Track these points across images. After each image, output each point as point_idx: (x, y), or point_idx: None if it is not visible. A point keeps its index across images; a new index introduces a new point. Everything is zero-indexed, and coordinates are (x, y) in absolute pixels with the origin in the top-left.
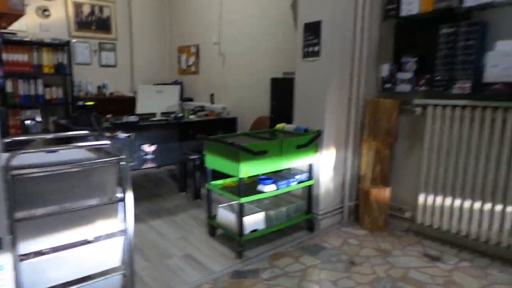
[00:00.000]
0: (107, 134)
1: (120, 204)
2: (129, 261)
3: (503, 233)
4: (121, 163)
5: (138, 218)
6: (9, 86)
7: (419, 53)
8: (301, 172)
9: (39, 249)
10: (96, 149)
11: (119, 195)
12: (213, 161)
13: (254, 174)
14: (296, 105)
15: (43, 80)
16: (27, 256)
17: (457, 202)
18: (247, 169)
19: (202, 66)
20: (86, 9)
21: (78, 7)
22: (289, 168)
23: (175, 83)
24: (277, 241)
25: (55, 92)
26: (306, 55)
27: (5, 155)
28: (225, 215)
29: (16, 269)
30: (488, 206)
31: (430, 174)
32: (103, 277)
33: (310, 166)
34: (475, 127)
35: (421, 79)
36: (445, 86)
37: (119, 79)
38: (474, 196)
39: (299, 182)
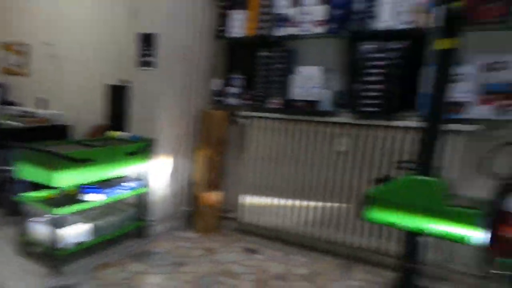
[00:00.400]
0: None
1: None
2: None
3: (307, 224)
4: None
5: None
6: None
7: (246, 71)
8: (135, 180)
9: None
10: None
11: None
12: (30, 172)
13: (79, 183)
14: (132, 113)
15: None
16: None
17: (272, 200)
18: (68, 178)
19: (33, 68)
20: None
21: None
22: (122, 176)
23: None
24: (104, 252)
25: None
26: (142, 64)
27: None
28: (39, 229)
29: None
30: (296, 203)
31: (251, 177)
32: None
33: (143, 174)
34: (288, 136)
35: (246, 94)
36: (263, 101)
37: None
38: (286, 195)
39: (131, 190)
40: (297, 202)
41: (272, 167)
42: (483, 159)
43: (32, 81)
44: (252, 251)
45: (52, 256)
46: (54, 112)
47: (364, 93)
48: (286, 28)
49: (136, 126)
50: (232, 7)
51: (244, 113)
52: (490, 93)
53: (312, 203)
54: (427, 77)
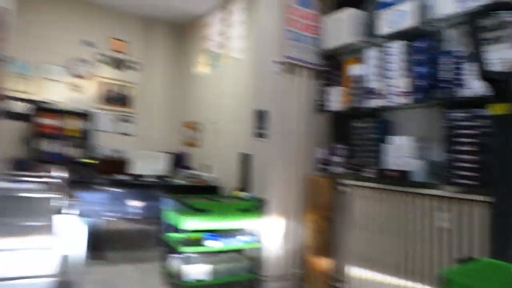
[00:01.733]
0: (98, 188)
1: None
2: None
3: None
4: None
5: (112, 261)
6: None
7: (346, 141)
8: (249, 234)
9: None
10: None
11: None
12: (170, 215)
13: (200, 229)
14: (254, 177)
15: (66, 142)
16: None
17: (378, 276)
18: (192, 223)
19: (203, 140)
20: (111, 87)
21: (105, 86)
22: (237, 229)
23: (180, 153)
24: None
25: (75, 152)
26: (257, 135)
27: None
28: (175, 264)
29: None
30: (401, 282)
31: (357, 247)
32: (32, 279)
33: (256, 230)
34: (385, 207)
35: (347, 163)
36: (360, 170)
37: (133, 145)
38: (389, 270)
39: (245, 243)
40: (402, 282)
41: (374, 238)
42: None
43: (201, 151)
44: None
45: (180, 286)
46: (211, 175)
47: (458, 164)
48: (375, 100)
49: (256, 188)
50: (330, 84)
51: (345, 181)
52: None
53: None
54: None
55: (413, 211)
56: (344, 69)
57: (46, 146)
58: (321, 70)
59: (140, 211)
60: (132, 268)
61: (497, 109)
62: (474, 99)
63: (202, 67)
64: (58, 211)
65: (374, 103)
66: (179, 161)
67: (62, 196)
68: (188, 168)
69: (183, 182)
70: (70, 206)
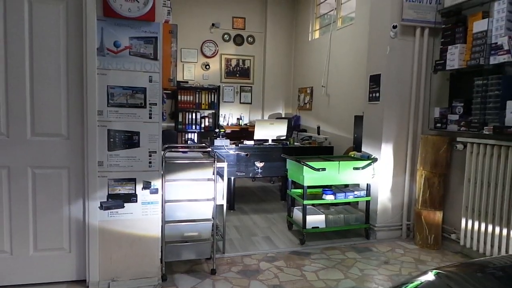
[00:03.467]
0: (231, 152)
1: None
2: (215, 217)
3: None
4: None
5: (243, 211)
6: (180, 117)
7: (465, 100)
8: (362, 189)
9: (173, 199)
10: (207, 153)
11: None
12: (292, 174)
13: (316, 184)
14: (364, 137)
15: (200, 114)
16: (168, 201)
17: (497, 229)
18: (311, 180)
19: (314, 104)
20: (233, 63)
21: (227, 61)
22: (352, 185)
23: (295, 117)
24: (335, 240)
25: (207, 121)
26: (370, 99)
27: (163, 152)
28: (297, 213)
29: (162, 206)
30: None
31: (472, 202)
32: (202, 222)
33: (368, 185)
34: (500, 162)
35: (465, 121)
36: (478, 128)
37: (254, 113)
38: (507, 223)
39: (357, 197)
40: None
41: (490, 194)
42: None
43: (314, 113)
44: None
45: (300, 233)
46: (323, 136)
47: None
48: (501, 56)
49: (367, 148)
50: (452, 42)
51: (462, 139)
52: None
53: None
54: None
55: None
56: (468, 25)
57: (186, 119)
58: (442, 28)
59: (262, 170)
60: (260, 217)
61: None
62: None
63: (315, 33)
64: (213, 172)
65: (499, 59)
66: (295, 124)
67: (213, 161)
68: (303, 130)
69: (299, 144)
70: (217, 168)
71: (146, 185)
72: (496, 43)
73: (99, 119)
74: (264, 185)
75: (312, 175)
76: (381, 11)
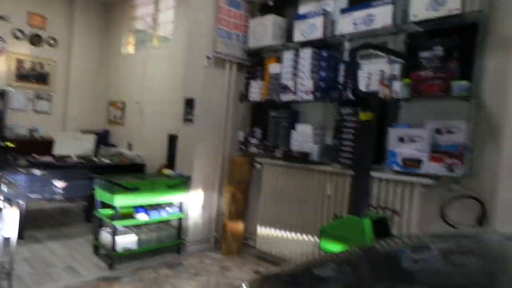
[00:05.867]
0: (22, 170)
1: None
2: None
3: (305, 256)
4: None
5: (35, 240)
6: None
7: (262, 127)
8: (174, 207)
9: None
10: None
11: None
12: (101, 194)
13: (130, 205)
14: (178, 156)
15: None
16: None
17: (286, 234)
18: (123, 200)
19: (127, 119)
20: (27, 65)
21: (19, 62)
22: (164, 203)
23: (104, 131)
24: (147, 259)
25: None
26: (185, 120)
27: None
28: (105, 236)
29: None
30: (298, 236)
31: (265, 212)
32: None
33: (181, 203)
34: (290, 180)
35: (262, 145)
36: (272, 151)
37: (53, 125)
38: (290, 228)
39: (170, 214)
40: (299, 236)
41: (279, 204)
42: (441, 208)
43: (125, 129)
44: (258, 272)
45: (109, 256)
46: (135, 153)
47: (342, 148)
48: (288, 95)
49: (180, 166)
50: (253, 78)
51: (259, 159)
52: (438, 152)
53: (308, 237)
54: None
55: (311, 183)
56: (265, 66)
57: None
58: (246, 65)
59: (64, 191)
60: (59, 244)
61: (363, 116)
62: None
63: (129, 47)
64: None
65: (287, 97)
66: (104, 139)
67: None
68: (113, 146)
69: (108, 161)
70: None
71: None
72: (286, 84)
73: None
74: (64, 206)
75: (124, 195)
76: (196, 41)
